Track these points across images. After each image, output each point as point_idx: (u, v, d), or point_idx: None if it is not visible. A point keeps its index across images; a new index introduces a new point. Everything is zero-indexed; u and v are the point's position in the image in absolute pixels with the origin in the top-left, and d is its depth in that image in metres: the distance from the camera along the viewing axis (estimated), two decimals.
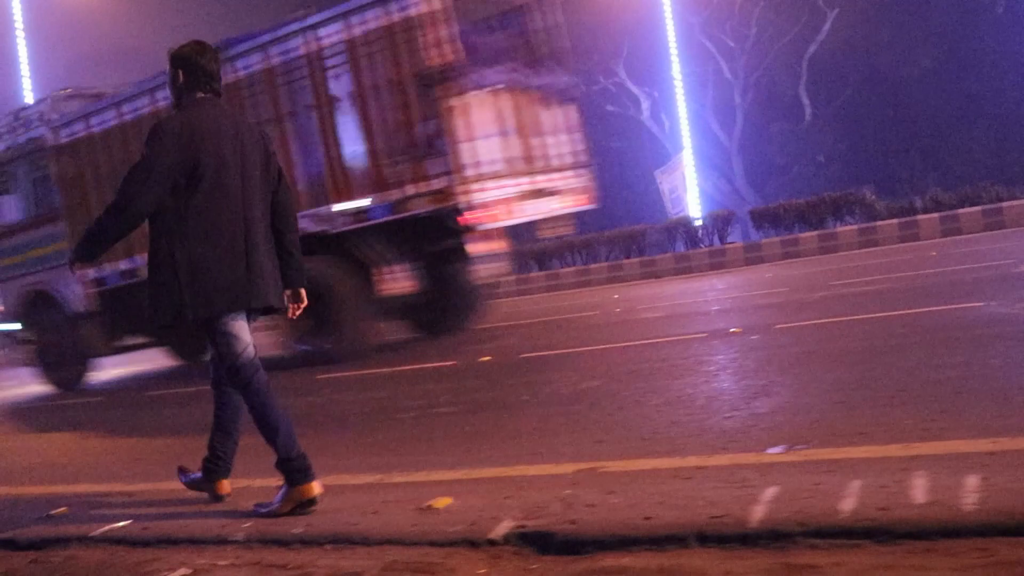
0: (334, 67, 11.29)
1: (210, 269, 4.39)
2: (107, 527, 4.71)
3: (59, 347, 13.91)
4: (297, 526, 4.22)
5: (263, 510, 4.50)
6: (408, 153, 10.83)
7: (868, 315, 8.79)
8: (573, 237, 26.59)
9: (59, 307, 13.87)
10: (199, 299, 4.41)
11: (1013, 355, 6.07)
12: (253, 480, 5.14)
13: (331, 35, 11.31)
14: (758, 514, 3.47)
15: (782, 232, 23.42)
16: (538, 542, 3.64)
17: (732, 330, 9.13)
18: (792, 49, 40.91)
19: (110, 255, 12.09)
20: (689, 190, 32.39)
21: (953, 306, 8.59)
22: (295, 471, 4.41)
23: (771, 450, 4.43)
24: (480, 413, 6.75)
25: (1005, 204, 20.47)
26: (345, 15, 11.21)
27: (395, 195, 10.96)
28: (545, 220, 12.19)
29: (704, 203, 35.26)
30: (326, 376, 10.56)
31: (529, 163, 11.67)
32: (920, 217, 21.16)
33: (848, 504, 3.43)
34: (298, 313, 4.81)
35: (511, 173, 11.35)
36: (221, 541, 4.28)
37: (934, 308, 8.70)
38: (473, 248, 11.32)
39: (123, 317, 13.29)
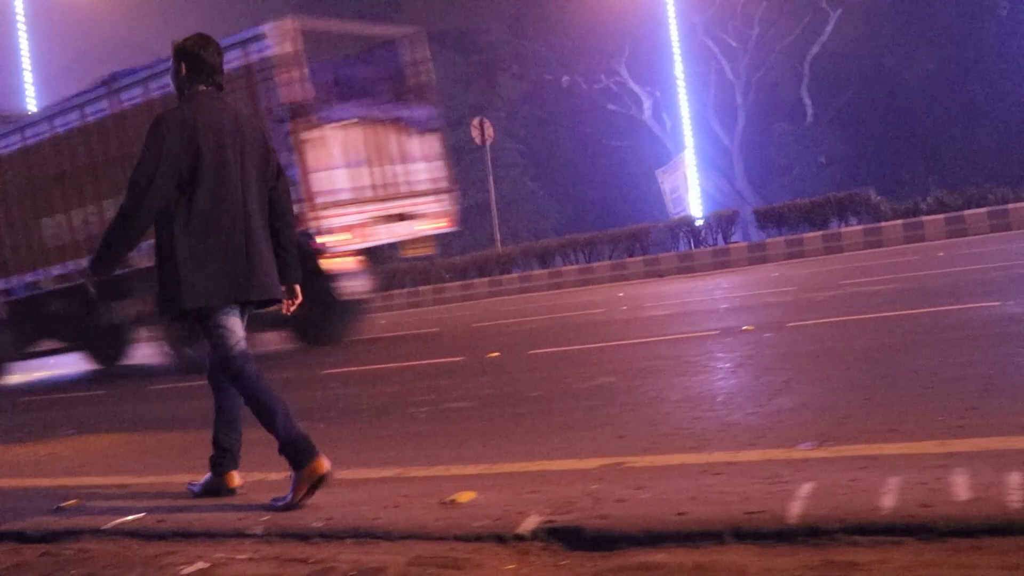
0: None
1: (210, 262, 4.39)
2: (119, 520, 4.60)
3: None
4: (317, 520, 4.12)
5: (280, 503, 4.41)
6: None
7: (882, 314, 8.71)
8: (577, 236, 26.60)
9: None
10: (199, 291, 4.40)
11: None
12: (267, 474, 5.05)
13: None
14: (796, 510, 3.37)
15: (785, 232, 23.36)
16: (567, 537, 3.55)
17: (744, 328, 9.05)
18: (794, 50, 40.92)
19: (17, 267, 13.52)
20: (690, 190, 32.35)
21: (968, 305, 8.51)
22: (300, 452, 4.36)
23: (801, 446, 4.33)
24: (494, 408, 6.66)
25: (1011, 206, 20.40)
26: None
27: None
28: (407, 241, 13.15)
29: (705, 203, 35.21)
30: (331, 371, 10.51)
31: (385, 190, 12.51)
32: (925, 218, 21.11)
33: (888, 501, 3.33)
34: (293, 309, 4.85)
35: (365, 200, 12.24)
36: (239, 535, 4.18)
37: (949, 307, 8.62)
38: (328, 268, 12.08)
39: (32, 325, 13.91)
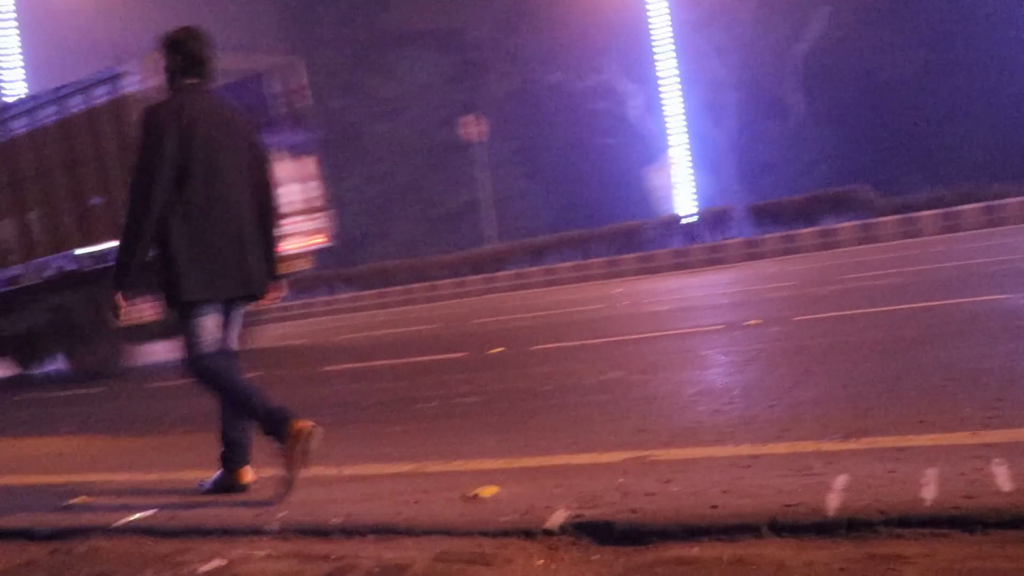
0: (79, 132, 13.24)
1: (207, 256, 4.39)
2: (130, 517, 4.50)
3: None
4: (335, 516, 4.02)
5: (286, 477, 4.35)
6: None
7: (890, 307, 8.66)
8: (570, 232, 26.55)
9: None
10: (197, 284, 4.40)
11: None
12: (281, 470, 4.95)
13: (77, 104, 13.37)
14: (834, 502, 3.30)
15: (780, 228, 23.33)
16: (597, 532, 3.47)
17: (750, 322, 8.98)
18: (784, 47, 40.91)
19: None
20: (679, 187, 32.31)
21: (976, 298, 8.46)
22: (281, 420, 4.30)
23: (829, 438, 4.25)
24: (505, 403, 6.57)
25: (1007, 201, 20.41)
26: (84, 90, 13.25)
27: None
28: (283, 257, 13.02)
29: (696, 200, 35.17)
30: (331, 368, 10.43)
31: None
32: (921, 214, 21.11)
33: (929, 492, 3.27)
34: (277, 300, 4.89)
35: None
36: (255, 531, 4.08)
37: (957, 300, 8.55)
38: None
39: None
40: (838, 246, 20.78)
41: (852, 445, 4.10)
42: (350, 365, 10.40)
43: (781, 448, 4.20)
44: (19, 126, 13.91)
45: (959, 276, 10.98)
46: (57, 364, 14.80)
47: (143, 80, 12.38)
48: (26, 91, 31.10)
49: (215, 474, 4.77)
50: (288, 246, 12.76)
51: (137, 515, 4.52)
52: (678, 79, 36.41)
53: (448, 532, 3.68)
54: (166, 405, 9.62)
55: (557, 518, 3.58)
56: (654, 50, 36.66)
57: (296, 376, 9.95)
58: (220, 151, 4.43)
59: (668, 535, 3.36)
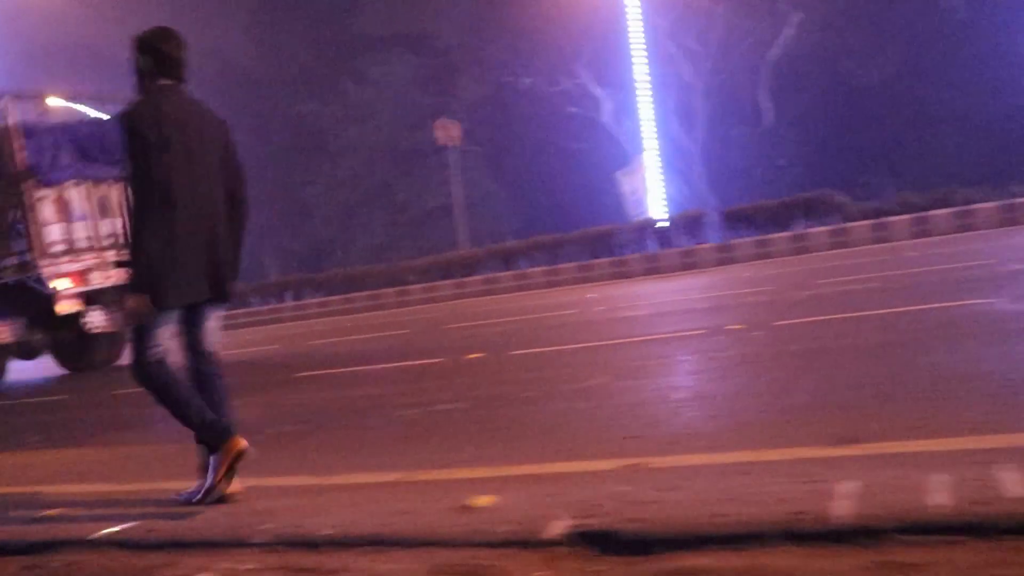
0: None
1: (180, 259, 4.33)
2: (107, 529, 4.34)
3: None
4: (324, 527, 3.89)
5: (206, 485, 4.43)
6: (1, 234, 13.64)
7: (871, 312, 8.62)
8: (542, 237, 26.45)
9: None
10: (175, 289, 4.35)
11: None
12: (264, 479, 4.83)
13: None
14: (842, 510, 3.22)
15: (752, 233, 23.38)
16: (599, 541, 3.36)
17: (731, 327, 8.91)
18: (755, 53, 41.09)
19: None
20: (651, 192, 32.29)
21: (955, 303, 8.45)
22: (219, 432, 4.39)
23: (827, 444, 4.18)
24: (487, 410, 6.46)
25: (977, 206, 20.54)
26: None
27: None
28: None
29: (667, 205, 35.21)
30: (303, 374, 10.29)
31: (114, 239, 14.14)
32: (891, 219, 21.20)
33: (938, 498, 3.19)
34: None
35: (93, 248, 13.99)
36: (239, 543, 3.94)
37: (936, 305, 8.54)
38: (61, 308, 13.68)
39: None
40: (810, 251, 20.84)
41: (852, 451, 4.03)
42: (324, 371, 10.26)
43: (779, 454, 4.11)
44: None
45: (935, 281, 10.98)
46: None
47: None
48: None
49: (194, 484, 4.63)
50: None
51: (114, 527, 4.37)
52: (649, 84, 36.45)
53: (443, 543, 3.56)
54: (135, 413, 9.41)
55: (556, 527, 3.48)
56: (626, 55, 36.68)
57: (268, 382, 9.80)
58: (196, 153, 4.38)
59: (673, 544, 3.26)
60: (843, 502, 3.29)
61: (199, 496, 4.42)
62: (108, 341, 15.09)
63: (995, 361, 5.59)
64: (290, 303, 30.04)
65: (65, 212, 13.80)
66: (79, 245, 13.83)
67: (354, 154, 45.08)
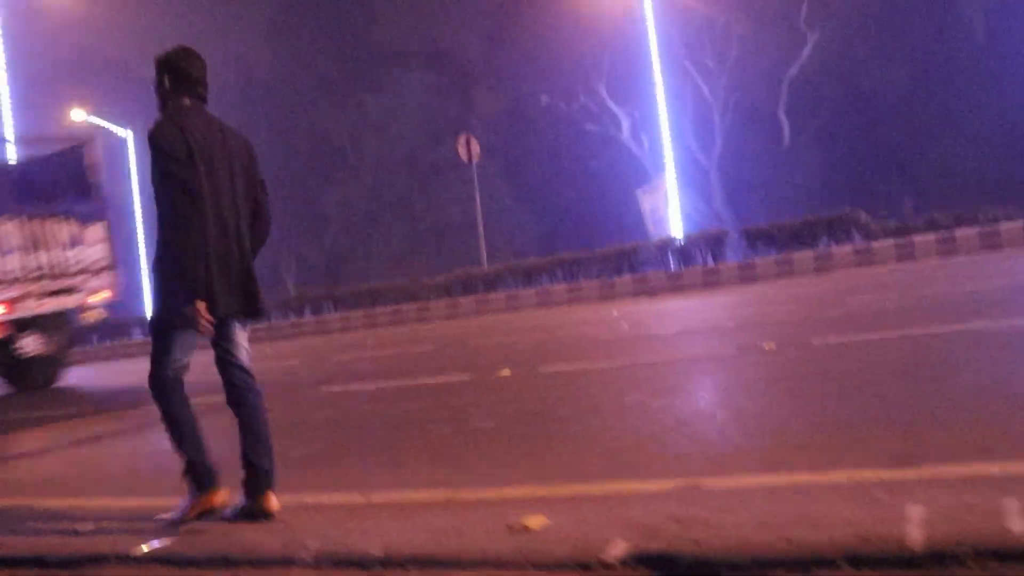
0: None
1: (209, 271, 4.34)
2: (148, 545, 4.27)
3: None
4: (373, 546, 3.82)
5: (169, 516, 4.53)
6: None
7: (908, 331, 8.49)
8: (563, 254, 26.42)
9: None
10: (183, 299, 4.33)
11: None
12: (304, 495, 4.75)
13: None
14: (916, 535, 3.13)
15: (774, 251, 23.25)
16: (660, 565, 3.29)
17: (765, 346, 8.79)
18: (772, 70, 40.99)
19: None
20: (670, 210, 32.21)
21: (993, 323, 8.29)
22: (202, 478, 4.46)
23: (888, 466, 4.07)
24: (524, 427, 6.37)
25: (1003, 226, 20.37)
26: None
27: None
28: (82, 309, 15.81)
29: (683, 223, 35.10)
30: (330, 389, 10.22)
31: (41, 271, 14.89)
32: (916, 237, 21.05)
33: (1017, 524, 3.09)
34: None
35: (23, 279, 14.67)
36: (285, 561, 3.88)
37: (973, 325, 8.36)
38: None
39: None
40: (833, 269, 20.71)
41: (913, 473, 3.92)
42: (351, 387, 10.17)
43: (838, 476, 4.01)
44: None
45: (968, 300, 10.84)
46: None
47: None
48: (9, 105, 31.00)
49: (238, 501, 4.56)
50: (81, 300, 15.59)
51: (155, 543, 4.30)
52: (667, 102, 36.41)
53: (498, 564, 3.50)
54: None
55: (615, 550, 3.40)
56: (644, 72, 36.64)
57: (296, 398, 9.72)
58: (220, 171, 4.41)
59: (736, 568, 3.19)
60: (912, 526, 3.21)
61: (166, 519, 4.56)
62: (44, 364, 16.02)
63: None
64: (311, 318, 30.02)
65: None
66: (9, 277, 14.56)
67: (372, 166, 45.14)
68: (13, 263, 14.66)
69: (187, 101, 4.48)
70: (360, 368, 12.73)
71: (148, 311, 39.57)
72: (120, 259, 16.57)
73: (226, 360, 4.58)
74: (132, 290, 42.63)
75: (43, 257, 15.00)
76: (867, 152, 40.54)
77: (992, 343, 7.28)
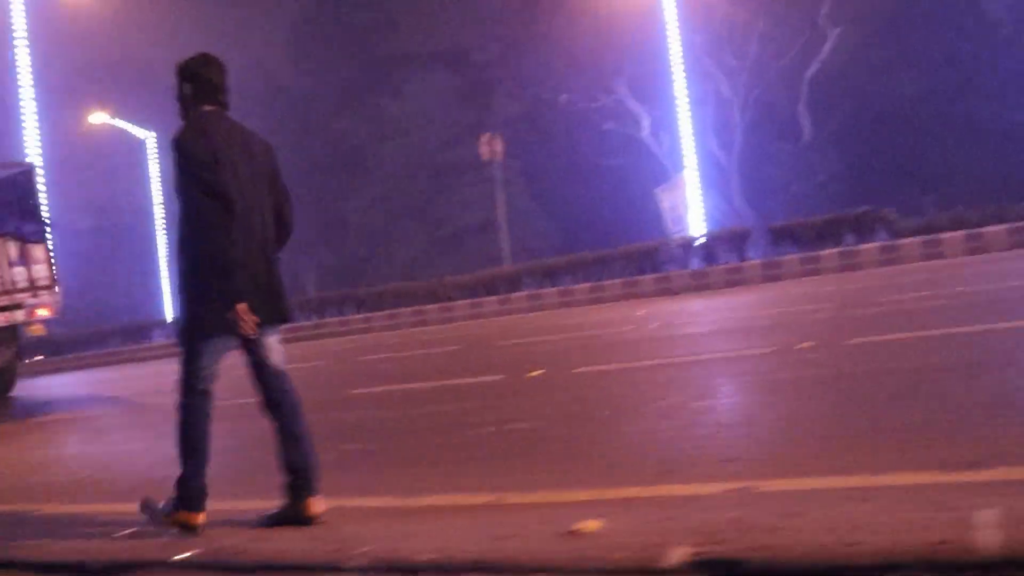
0: None
1: (237, 276, 4.28)
2: (192, 550, 4.19)
3: None
4: (424, 552, 3.72)
5: (152, 512, 4.57)
6: None
7: (946, 330, 8.36)
8: (585, 253, 26.31)
9: None
10: (223, 304, 4.28)
11: None
12: (343, 499, 4.67)
13: None
14: (989, 539, 3.02)
15: (797, 249, 23.08)
16: (724, 570, 3.18)
17: (801, 345, 8.67)
18: (792, 68, 40.77)
19: None
20: (690, 209, 32.07)
21: None
22: (190, 497, 4.44)
23: (951, 469, 3.96)
24: (564, 429, 6.28)
25: None
26: None
27: None
28: (24, 323, 16.44)
29: (705, 221, 34.96)
30: (358, 391, 10.14)
31: None
32: (943, 235, 20.85)
33: None
34: None
35: None
36: (335, 568, 3.78)
37: (1016, 323, 8.24)
38: None
39: None
40: (860, 268, 20.54)
41: (981, 476, 3.82)
42: (381, 388, 10.11)
43: (899, 479, 3.90)
44: None
45: (1006, 297, 10.69)
46: None
47: None
48: (35, 108, 31.10)
49: (278, 505, 4.49)
50: (20, 316, 16.19)
51: (198, 548, 4.22)
52: (687, 100, 36.26)
53: (555, 570, 3.39)
54: (223, 427, 9.15)
55: (677, 555, 3.29)
56: (663, 71, 36.51)
57: (325, 400, 9.60)
58: (243, 175, 4.36)
59: (805, 575, 3.08)
60: (987, 531, 3.09)
61: (153, 508, 4.59)
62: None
63: None
64: (333, 319, 29.98)
65: None
66: None
67: (391, 170, 45.15)
68: None
69: (209, 108, 4.45)
70: (388, 369, 12.67)
71: (168, 314, 39.70)
72: (59, 278, 17.34)
73: (259, 365, 4.52)
74: (152, 293, 42.94)
75: None
76: (887, 150, 40.28)
77: None
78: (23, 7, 30.18)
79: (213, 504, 5.13)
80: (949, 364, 6.75)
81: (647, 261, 25.10)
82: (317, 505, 4.40)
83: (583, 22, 39.07)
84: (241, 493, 5.29)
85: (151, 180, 39.73)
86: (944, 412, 5.17)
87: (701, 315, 14.61)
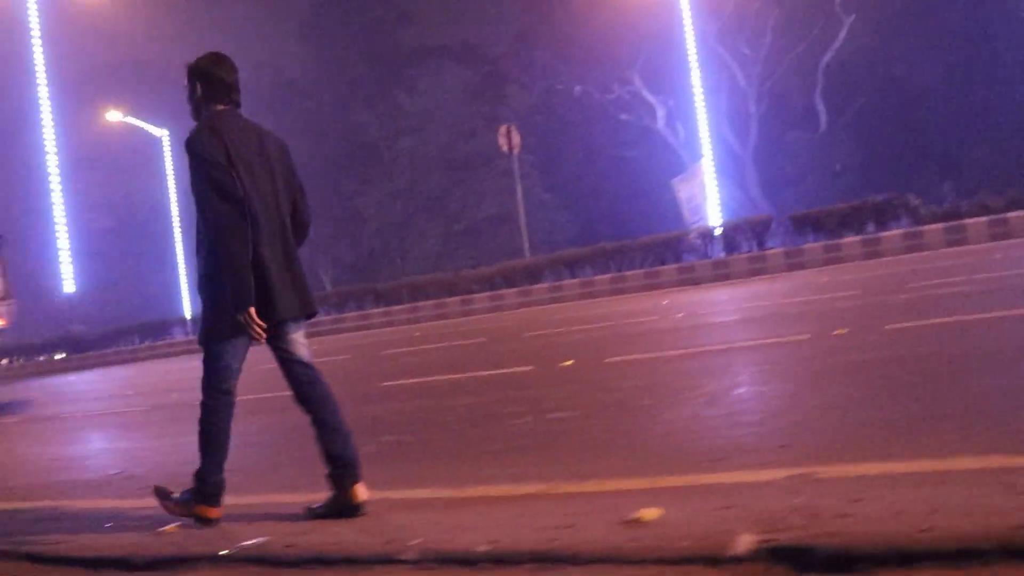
0: None
1: (263, 277, 4.31)
2: (239, 544, 4.12)
3: None
4: (480, 543, 3.65)
5: (167, 500, 4.60)
6: None
7: (985, 315, 8.23)
8: (606, 244, 26.21)
9: None
10: (234, 306, 4.27)
11: None
12: (388, 491, 4.60)
13: None
14: None
15: (818, 238, 22.94)
16: (794, 558, 3.09)
17: (836, 332, 8.57)
18: (807, 57, 40.64)
19: None
20: (708, 199, 31.97)
21: None
22: (208, 491, 4.46)
23: (1016, 452, 3.86)
24: (606, 418, 6.20)
25: None
26: None
27: None
28: None
29: (721, 211, 34.85)
30: (388, 383, 10.09)
31: None
32: (967, 221, 20.69)
33: None
34: None
35: None
36: (386, 560, 3.70)
37: None
38: None
39: None
40: (882, 255, 20.41)
41: None
42: (410, 380, 10.04)
43: (964, 463, 3.81)
44: None
45: None
46: None
47: None
48: (49, 107, 31.19)
49: (324, 497, 4.43)
50: None
51: (248, 542, 4.16)
52: (702, 90, 36.14)
53: (618, 560, 3.31)
54: (258, 421, 9.06)
55: (744, 543, 3.21)
56: (678, 61, 36.38)
57: (354, 393, 9.54)
58: (259, 173, 4.36)
59: (879, 561, 2.99)
60: None
61: (173, 496, 4.60)
62: None
63: None
64: (352, 313, 29.97)
65: None
66: None
67: (407, 164, 45.16)
68: None
69: (221, 107, 4.43)
70: (415, 362, 12.60)
71: (187, 311, 39.81)
72: (13, 292, 18.36)
73: (287, 360, 4.51)
74: (171, 290, 43.08)
75: None
76: (904, 138, 40.07)
77: None
78: (38, 7, 30.24)
79: (255, 497, 5.11)
80: (994, 348, 6.65)
81: (668, 251, 24.99)
82: (362, 492, 4.36)
83: (597, 14, 38.97)
84: (277, 486, 5.21)
85: (167, 178, 39.80)
86: (998, 396, 5.07)
87: (727, 304, 14.50)
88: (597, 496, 4.15)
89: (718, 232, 25.74)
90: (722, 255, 24.28)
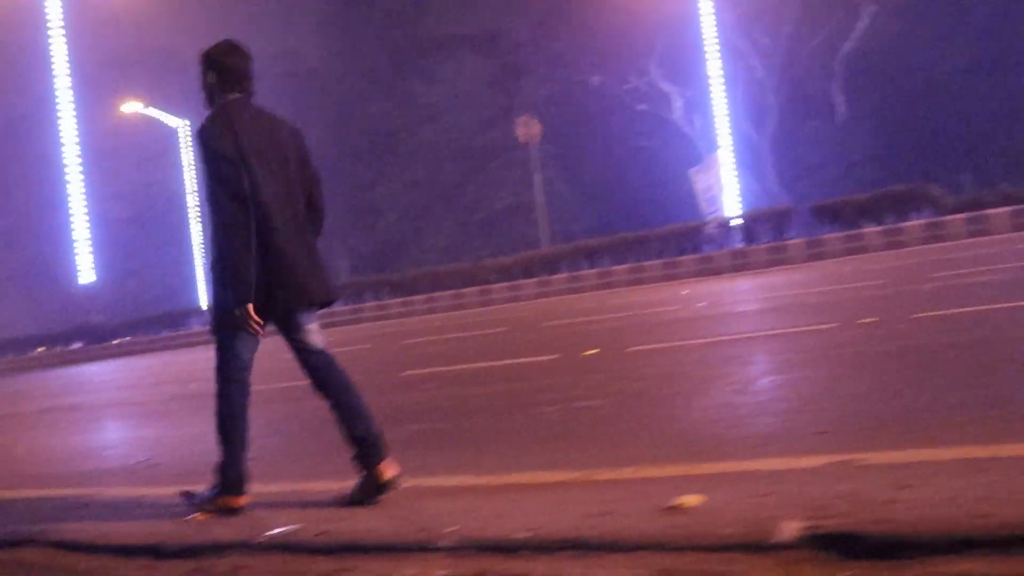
0: None
1: (280, 267, 4.29)
2: (272, 532, 4.07)
3: None
4: (518, 530, 3.59)
5: (192, 499, 4.55)
6: None
7: (1018, 303, 8.13)
8: (624, 234, 26.14)
9: None
10: (233, 301, 4.27)
11: None
12: (419, 479, 4.55)
13: None
14: None
15: (835, 228, 22.83)
16: (842, 545, 3.02)
17: (864, 320, 8.49)
18: (826, 47, 40.39)
19: None
20: (725, 189, 31.85)
21: None
22: (231, 482, 4.42)
23: None
24: (636, 406, 6.15)
25: None
26: None
27: None
28: None
29: (740, 202, 34.72)
30: (413, 372, 10.06)
31: None
32: (990, 212, 20.54)
33: None
34: None
35: None
36: (422, 547, 3.64)
37: None
38: None
39: None
40: (904, 245, 20.29)
41: None
42: (434, 369, 10.01)
43: (1013, 450, 3.74)
44: None
45: None
46: None
47: None
48: (68, 98, 31.29)
49: (354, 482, 4.38)
50: None
51: (278, 529, 4.11)
52: (720, 80, 35.97)
53: (659, 547, 3.24)
54: (283, 409, 9.02)
55: (789, 530, 3.14)
56: (696, 51, 36.22)
57: (377, 382, 9.49)
58: (273, 162, 4.32)
59: (929, 548, 2.92)
60: None
61: (193, 499, 4.57)
62: None
63: None
64: (371, 303, 29.98)
65: None
66: None
67: (424, 154, 45.13)
68: None
69: (234, 96, 4.38)
70: (437, 351, 12.57)
71: (203, 303, 39.90)
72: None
73: (302, 349, 4.48)
74: (188, 281, 43.23)
75: None
76: (923, 128, 39.80)
77: None
78: None
79: (284, 485, 5.07)
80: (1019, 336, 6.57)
81: (687, 241, 24.92)
82: (390, 469, 4.31)
83: (614, 3, 38.80)
84: (304, 474, 5.18)
85: (184, 168, 39.88)
86: None
87: (748, 294, 14.42)
88: (633, 483, 4.09)
89: (736, 222, 25.63)
90: (741, 245, 24.15)
